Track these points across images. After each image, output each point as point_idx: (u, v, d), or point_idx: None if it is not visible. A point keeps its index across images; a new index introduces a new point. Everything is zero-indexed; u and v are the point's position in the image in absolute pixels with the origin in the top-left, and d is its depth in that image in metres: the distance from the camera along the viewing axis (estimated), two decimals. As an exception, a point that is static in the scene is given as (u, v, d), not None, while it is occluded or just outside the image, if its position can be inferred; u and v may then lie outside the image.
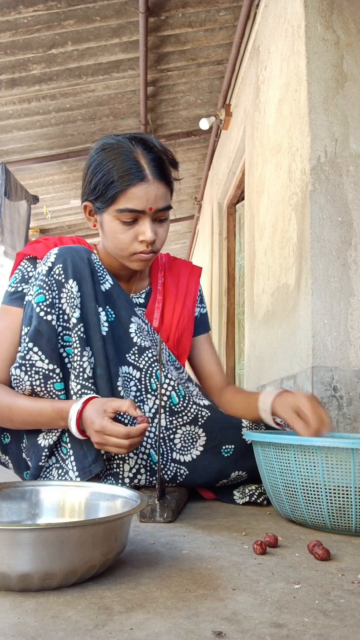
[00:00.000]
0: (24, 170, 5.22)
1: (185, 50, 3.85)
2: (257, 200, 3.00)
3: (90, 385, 1.11)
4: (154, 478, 1.15)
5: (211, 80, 4.27)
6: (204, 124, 4.28)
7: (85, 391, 1.10)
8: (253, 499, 1.25)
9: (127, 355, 1.22)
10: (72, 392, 1.12)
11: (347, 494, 0.95)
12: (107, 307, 1.20)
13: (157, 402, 1.04)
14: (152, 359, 1.23)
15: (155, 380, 1.22)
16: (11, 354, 1.19)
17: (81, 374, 1.11)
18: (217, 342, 4.90)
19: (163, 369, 1.24)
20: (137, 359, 1.22)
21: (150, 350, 1.23)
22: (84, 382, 1.11)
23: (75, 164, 5.14)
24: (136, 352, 1.22)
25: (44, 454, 1.14)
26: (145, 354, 1.22)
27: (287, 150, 2.34)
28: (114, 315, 1.22)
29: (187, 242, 8.38)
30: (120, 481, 1.14)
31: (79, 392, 1.11)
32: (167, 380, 1.23)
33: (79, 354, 1.12)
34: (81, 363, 1.11)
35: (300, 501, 1.01)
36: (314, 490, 0.98)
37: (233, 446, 1.24)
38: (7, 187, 4.83)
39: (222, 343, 4.77)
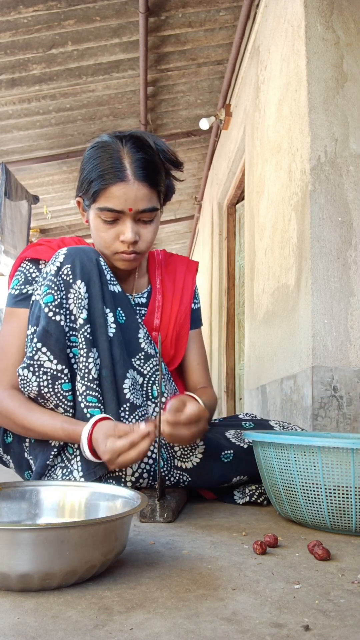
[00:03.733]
0: (24, 170, 5.22)
1: (185, 50, 3.85)
2: (257, 200, 3.00)
3: (95, 386, 1.11)
4: (156, 482, 1.15)
5: (211, 80, 4.27)
6: (204, 124, 4.29)
7: (90, 392, 1.10)
8: (253, 499, 1.25)
9: (133, 360, 1.21)
10: (77, 393, 1.12)
11: (347, 494, 0.95)
12: (119, 309, 1.20)
13: (157, 409, 1.04)
14: (156, 367, 1.22)
15: (157, 387, 1.21)
16: (20, 357, 1.19)
17: (86, 375, 1.10)
18: (217, 342, 4.90)
19: (164, 378, 1.24)
20: (142, 364, 1.21)
21: (155, 358, 1.23)
22: (88, 384, 1.10)
23: (75, 164, 5.14)
24: (142, 357, 1.21)
25: (52, 453, 1.14)
26: (150, 361, 1.22)
27: (287, 150, 2.34)
28: (124, 318, 1.21)
29: (187, 242, 8.39)
30: (122, 485, 1.14)
31: (84, 393, 1.10)
32: (167, 390, 1.22)
33: (85, 354, 1.11)
34: (87, 364, 1.11)
35: (300, 501, 1.01)
36: (314, 490, 0.98)
37: (232, 451, 1.23)
38: (7, 187, 4.83)
39: (222, 343, 4.77)
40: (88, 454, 1.06)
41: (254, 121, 3.15)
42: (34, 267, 1.27)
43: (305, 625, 0.58)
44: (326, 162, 2.02)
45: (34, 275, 1.26)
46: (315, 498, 0.99)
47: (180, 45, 3.76)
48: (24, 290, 1.24)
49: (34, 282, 1.24)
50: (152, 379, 1.22)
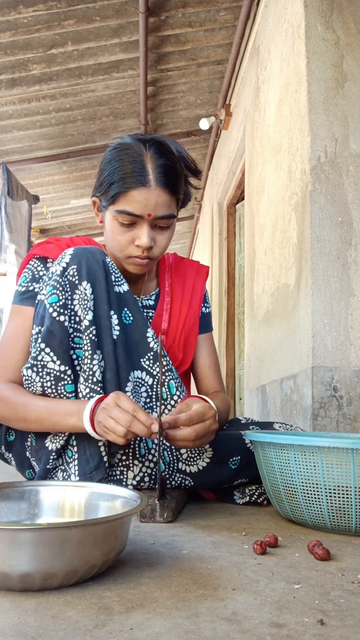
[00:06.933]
0: (24, 170, 5.22)
1: (185, 50, 3.85)
2: (257, 200, 3.00)
3: (98, 389, 1.10)
4: (157, 483, 1.15)
5: (211, 80, 4.27)
6: (204, 124, 4.28)
7: (94, 395, 1.09)
8: (253, 499, 1.25)
9: (142, 360, 1.20)
10: (80, 395, 1.11)
11: (347, 494, 0.95)
12: (125, 309, 1.19)
13: (162, 408, 1.03)
14: (165, 367, 1.21)
15: (166, 389, 1.21)
16: (24, 354, 1.19)
17: (91, 377, 1.10)
18: (217, 342, 4.89)
19: (175, 380, 1.23)
20: (151, 364, 1.20)
21: (165, 358, 1.22)
22: (92, 386, 1.09)
23: (75, 164, 5.14)
24: (151, 357, 1.20)
25: (51, 457, 1.14)
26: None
27: (287, 150, 2.34)
28: (131, 318, 1.20)
29: (187, 242, 8.39)
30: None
31: (88, 396, 1.09)
32: (178, 393, 1.22)
33: (89, 357, 1.10)
34: (91, 366, 1.10)
35: (300, 501, 1.01)
36: (314, 490, 0.98)
37: (239, 457, 1.22)
38: (9, 186, 4.83)
39: (222, 343, 4.77)
40: (87, 422, 1.04)
41: (254, 121, 3.15)
42: (41, 265, 1.27)
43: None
44: (326, 162, 2.02)
45: (41, 273, 1.26)
46: (315, 498, 0.99)
47: (180, 45, 3.76)
48: (31, 288, 1.24)
49: (40, 279, 1.24)
50: (163, 379, 1.21)
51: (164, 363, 1.22)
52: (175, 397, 1.21)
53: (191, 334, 1.37)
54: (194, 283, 1.41)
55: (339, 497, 0.96)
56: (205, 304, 1.45)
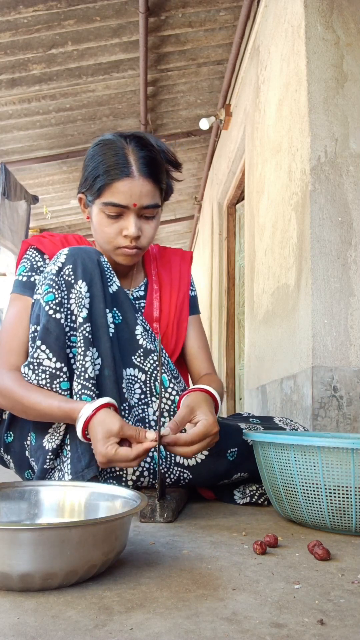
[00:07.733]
0: (24, 170, 5.22)
1: (185, 50, 3.85)
2: (257, 200, 3.00)
3: (90, 385, 1.10)
4: (157, 482, 1.15)
5: (211, 80, 4.27)
6: (204, 124, 4.29)
7: (85, 392, 1.09)
8: (254, 499, 1.25)
9: (132, 358, 1.21)
10: (73, 392, 1.11)
11: (347, 494, 0.95)
12: (115, 308, 1.21)
13: (160, 404, 1.03)
14: (157, 362, 1.22)
15: (159, 383, 1.22)
16: (27, 337, 1.20)
17: (83, 374, 1.10)
18: (217, 342, 4.90)
19: (168, 373, 1.24)
20: (142, 361, 1.22)
21: (155, 353, 1.23)
22: (84, 382, 1.10)
23: (75, 164, 5.14)
24: (142, 354, 1.22)
25: (48, 457, 1.14)
26: (150, 357, 1.22)
27: (287, 150, 2.34)
28: (120, 317, 1.22)
29: (187, 242, 8.38)
30: (123, 484, 1.14)
31: (80, 392, 1.09)
32: (172, 385, 1.22)
33: (82, 353, 1.11)
34: (84, 363, 1.10)
35: (300, 501, 1.01)
36: (314, 490, 0.98)
37: (237, 449, 1.23)
38: (6, 187, 4.83)
39: (222, 343, 4.77)
40: (81, 437, 1.05)
41: (254, 121, 3.15)
42: (39, 256, 1.30)
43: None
44: (326, 162, 2.02)
45: (39, 263, 1.28)
46: (315, 498, 0.99)
47: (180, 45, 3.76)
48: (32, 279, 1.26)
49: (39, 270, 1.27)
50: (155, 374, 1.22)
51: (156, 358, 1.22)
52: (170, 390, 1.22)
53: (182, 317, 1.40)
54: (180, 268, 1.44)
55: (339, 497, 0.96)
56: (192, 288, 1.47)
